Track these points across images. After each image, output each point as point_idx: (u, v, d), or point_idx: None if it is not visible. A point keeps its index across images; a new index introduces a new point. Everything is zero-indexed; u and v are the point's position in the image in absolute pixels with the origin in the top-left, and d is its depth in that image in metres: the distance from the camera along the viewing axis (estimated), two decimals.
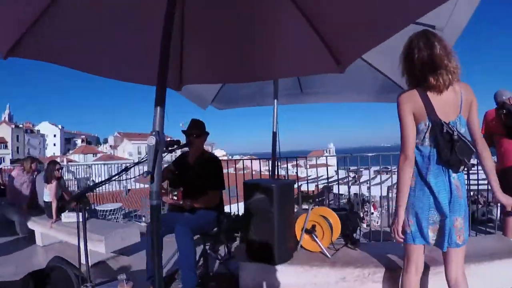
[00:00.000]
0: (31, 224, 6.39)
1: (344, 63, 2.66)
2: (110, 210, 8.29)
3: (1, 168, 11.10)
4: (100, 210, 8.77)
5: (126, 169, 2.52)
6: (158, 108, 1.88)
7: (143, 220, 8.49)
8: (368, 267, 3.17)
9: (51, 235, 5.99)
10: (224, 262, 4.54)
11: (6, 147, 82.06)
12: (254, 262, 3.45)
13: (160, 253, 3.80)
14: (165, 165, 4.50)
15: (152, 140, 1.72)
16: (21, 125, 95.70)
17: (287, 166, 6.93)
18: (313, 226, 3.60)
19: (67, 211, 5.84)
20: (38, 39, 2.50)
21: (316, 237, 3.55)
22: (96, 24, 2.58)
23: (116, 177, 2.31)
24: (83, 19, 2.53)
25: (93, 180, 11.88)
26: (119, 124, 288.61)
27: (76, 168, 12.85)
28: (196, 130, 4.07)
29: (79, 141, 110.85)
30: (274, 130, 4.51)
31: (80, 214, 2.63)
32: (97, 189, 10.35)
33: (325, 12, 2.35)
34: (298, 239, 3.64)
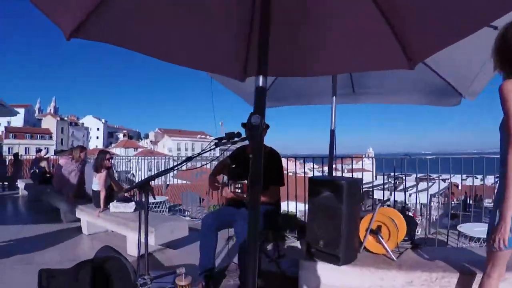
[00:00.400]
0: (77, 213, 6.40)
1: (416, 59, 2.55)
2: (156, 203, 8.23)
3: (48, 157, 11.29)
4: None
5: (190, 158, 2.36)
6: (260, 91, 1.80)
7: (187, 214, 8.42)
8: (435, 271, 2.99)
9: (97, 224, 5.96)
10: (275, 260, 4.32)
11: (50, 138, 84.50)
12: (316, 262, 3.22)
13: (215, 247, 3.71)
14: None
15: (257, 119, 1.57)
16: (66, 118, 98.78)
17: (342, 166, 6.62)
18: (379, 227, 3.37)
19: (115, 201, 5.80)
20: (103, 20, 2.39)
21: (382, 238, 3.32)
22: (164, 7, 2.48)
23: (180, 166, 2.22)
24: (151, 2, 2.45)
25: (133, 174, 12.04)
26: (160, 121, 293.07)
27: (117, 161, 12.98)
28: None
29: (121, 135, 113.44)
30: (332, 128, 4.37)
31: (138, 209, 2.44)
32: (139, 179, 10.48)
33: (401, 6, 2.24)
34: (362, 240, 3.40)
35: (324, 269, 3.17)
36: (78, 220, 6.44)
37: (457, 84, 4.49)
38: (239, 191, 3.46)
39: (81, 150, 7.42)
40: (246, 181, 3.34)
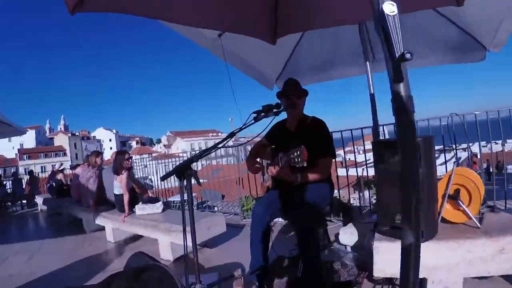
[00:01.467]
0: (100, 220, 5.96)
1: None
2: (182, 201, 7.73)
3: (63, 169, 10.92)
4: (172, 201, 8.30)
5: (232, 135, 2.15)
6: None
7: (216, 210, 7.93)
8: None
9: (124, 230, 5.51)
10: (328, 247, 3.94)
11: (65, 154, 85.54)
12: (393, 242, 2.65)
13: (268, 242, 3.16)
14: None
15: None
16: (77, 133, 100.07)
17: (354, 148, 6.04)
18: (457, 191, 2.83)
19: (140, 203, 5.33)
20: None
21: (463, 203, 2.78)
22: None
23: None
24: None
25: (151, 179, 11.73)
26: (170, 124, 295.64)
27: (134, 169, 12.65)
28: (296, 90, 3.30)
29: (133, 143, 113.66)
30: (372, 92, 3.89)
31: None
32: (159, 183, 10.10)
33: None
34: (439, 209, 2.86)
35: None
36: (102, 228, 6.01)
37: (481, 36, 4.21)
38: (297, 159, 2.60)
39: (97, 155, 6.95)
40: (303, 146, 2.65)
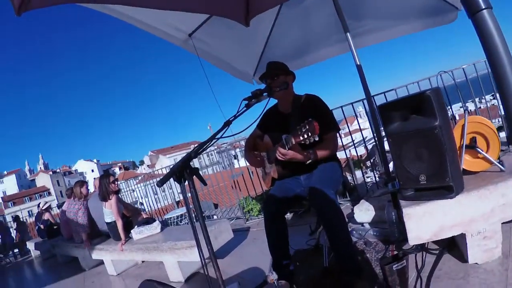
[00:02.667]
0: (97, 254, 5.58)
1: None
2: (179, 216, 7.47)
3: (50, 206, 10.44)
4: (169, 218, 8.01)
5: (228, 123, 1.93)
6: None
7: (213, 218, 7.65)
8: None
9: (124, 260, 5.17)
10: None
11: (49, 194, 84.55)
12: (421, 205, 2.46)
13: (287, 237, 2.89)
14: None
15: None
16: (58, 170, 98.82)
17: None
18: (473, 139, 2.69)
19: (136, 226, 4.96)
20: None
21: (482, 150, 2.65)
22: None
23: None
24: None
25: (141, 203, 11.42)
26: (150, 143, 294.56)
27: (122, 195, 12.35)
28: (281, 70, 3.02)
29: (117, 169, 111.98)
30: (358, 63, 3.69)
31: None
32: (151, 204, 9.82)
33: None
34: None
35: (434, 210, 2.45)
36: (101, 262, 5.64)
37: None
38: (309, 134, 2.27)
39: (81, 185, 6.39)
40: (311, 119, 2.32)
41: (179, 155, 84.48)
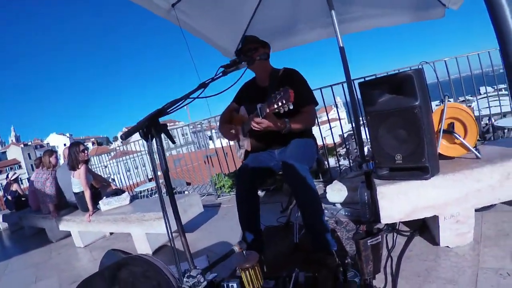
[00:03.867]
0: (64, 225, 5.44)
1: None
2: (150, 189, 7.34)
3: (18, 176, 10.11)
4: (139, 191, 7.87)
5: (203, 85, 1.85)
6: None
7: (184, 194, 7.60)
8: None
9: (92, 231, 5.06)
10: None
11: (20, 167, 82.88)
12: (395, 184, 2.47)
13: (258, 208, 2.84)
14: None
15: None
16: (30, 143, 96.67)
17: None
18: (451, 125, 2.68)
19: (104, 197, 4.84)
20: None
21: (459, 136, 2.64)
22: None
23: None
24: None
25: (113, 179, 11.20)
26: (125, 119, 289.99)
27: (94, 170, 12.19)
28: (259, 43, 2.94)
29: (90, 145, 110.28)
30: (341, 45, 3.70)
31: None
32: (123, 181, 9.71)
33: None
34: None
35: (408, 191, 2.46)
36: (69, 234, 5.51)
37: None
38: (283, 102, 2.20)
39: (50, 154, 6.18)
40: (287, 87, 2.25)
41: None
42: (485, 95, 6.19)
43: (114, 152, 13.09)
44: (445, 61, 5.23)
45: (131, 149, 10.04)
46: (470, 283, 2.00)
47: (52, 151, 6.27)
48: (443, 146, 2.71)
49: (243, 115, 3.03)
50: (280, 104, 2.17)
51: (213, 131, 9.28)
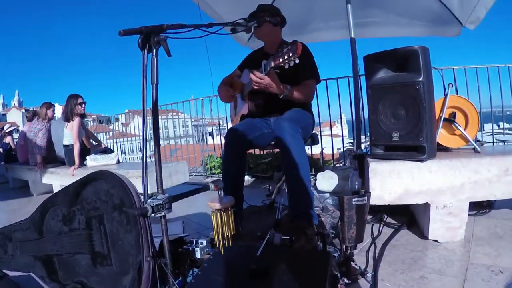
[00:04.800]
0: (47, 178, 5.29)
1: None
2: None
3: (13, 129, 9.98)
4: (130, 158, 7.79)
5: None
6: None
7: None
8: None
9: None
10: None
11: (17, 131, 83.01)
12: (389, 163, 2.41)
13: (244, 173, 2.74)
14: None
15: None
16: (31, 109, 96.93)
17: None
18: (453, 114, 2.65)
19: (93, 154, 4.74)
20: None
21: (460, 126, 2.63)
22: None
23: None
24: None
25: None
26: (128, 102, 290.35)
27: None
28: (269, 13, 2.83)
29: (90, 122, 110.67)
30: (352, 36, 3.65)
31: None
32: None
33: None
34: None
35: (402, 171, 2.39)
36: (51, 189, 5.36)
37: (458, 11, 4.19)
38: (290, 55, 2.09)
39: (48, 106, 5.96)
40: (296, 40, 2.11)
41: None
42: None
43: (113, 133, 12.98)
44: (453, 69, 5.15)
45: (130, 132, 9.96)
46: (459, 275, 1.89)
47: (50, 104, 6.08)
48: (442, 136, 2.69)
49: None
50: (286, 57, 2.10)
51: (214, 127, 9.21)
